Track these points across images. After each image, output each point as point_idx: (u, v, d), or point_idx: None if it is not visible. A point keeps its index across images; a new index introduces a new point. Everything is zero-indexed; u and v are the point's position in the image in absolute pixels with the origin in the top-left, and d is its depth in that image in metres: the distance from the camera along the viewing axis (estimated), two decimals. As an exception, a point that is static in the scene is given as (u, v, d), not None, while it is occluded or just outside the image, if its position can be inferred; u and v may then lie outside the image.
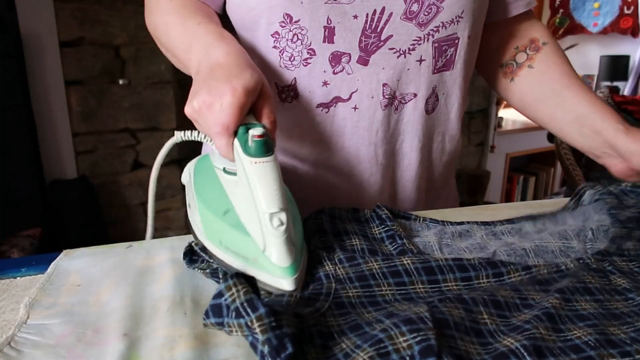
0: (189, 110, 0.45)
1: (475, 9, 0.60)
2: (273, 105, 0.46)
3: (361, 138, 0.62)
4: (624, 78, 3.31)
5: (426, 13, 0.57)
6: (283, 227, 0.39)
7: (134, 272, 0.46)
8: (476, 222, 0.55)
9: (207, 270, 0.44)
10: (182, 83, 2.29)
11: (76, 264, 0.48)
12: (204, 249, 0.45)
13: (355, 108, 0.60)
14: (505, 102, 3.33)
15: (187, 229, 0.51)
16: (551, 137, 2.26)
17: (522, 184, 3.37)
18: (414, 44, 0.59)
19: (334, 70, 0.58)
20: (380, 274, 0.41)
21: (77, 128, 2.10)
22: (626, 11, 3.30)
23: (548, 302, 0.36)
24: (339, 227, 0.49)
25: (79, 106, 2.08)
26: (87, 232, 2.08)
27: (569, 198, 0.60)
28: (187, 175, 0.53)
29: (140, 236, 0.61)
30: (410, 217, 0.55)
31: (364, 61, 0.58)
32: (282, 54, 0.58)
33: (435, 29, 0.59)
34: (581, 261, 0.44)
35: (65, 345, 0.35)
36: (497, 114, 2.98)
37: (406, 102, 0.62)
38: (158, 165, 0.56)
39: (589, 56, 3.51)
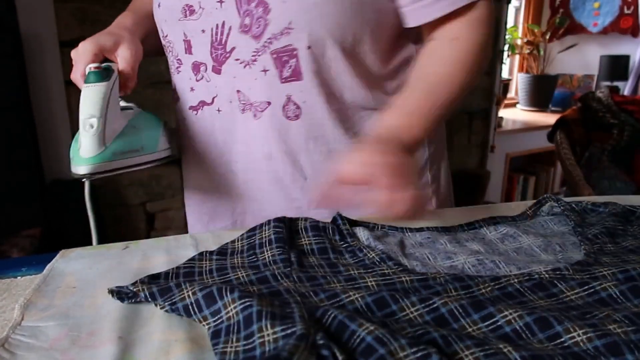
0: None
1: (314, 19, 0.57)
2: (129, 56, 0.63)
3: (229, 138, 0.67)
4: (624, 78, 3.29)
5: (257, 26, 0.59)
6: (93, 130, 0.57)
7: (130, 274, 0.46)
8: (436, 229, 0.55)
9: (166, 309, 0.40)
10: (182, 83, 2.29)
11: (72, 266, 0.48)
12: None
13: (218, 110, 0.66)
14: (505, 102, 3.33)
15: (187, 229, 0.51)
16: (551, 137, 2.25)
17: (522, 184, 3.36)
18: (254, 56, 0.61)
19: (196, 78, 0.66)
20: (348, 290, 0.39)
21: (77, 128, 2.10)
22: (626, 11, 3.29)
23: (534, 342, 0.34)
24: (300, 241, 0.50)
25: (79, 106, 2.08)
26: (87, 232, 2.08)
27: (531, 204, 0.60)
28: None
29: (140, 236, 0.61)
30: (368, 226, 0.55)
31: (217, 70, 0.64)
32: (167, 63, 0.71)
33: (269, 40, 0.59)
34: (557, 272, 0.42)
35: (60, 348, 0.35)
36: (497, 114, 2.96)
37: (263, 110, 0.63)
38: None
39: (588, 56, 3.50)
